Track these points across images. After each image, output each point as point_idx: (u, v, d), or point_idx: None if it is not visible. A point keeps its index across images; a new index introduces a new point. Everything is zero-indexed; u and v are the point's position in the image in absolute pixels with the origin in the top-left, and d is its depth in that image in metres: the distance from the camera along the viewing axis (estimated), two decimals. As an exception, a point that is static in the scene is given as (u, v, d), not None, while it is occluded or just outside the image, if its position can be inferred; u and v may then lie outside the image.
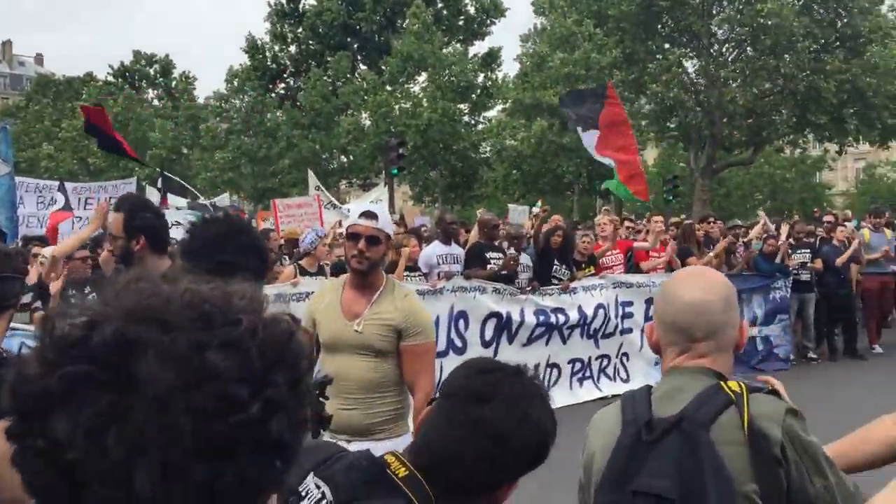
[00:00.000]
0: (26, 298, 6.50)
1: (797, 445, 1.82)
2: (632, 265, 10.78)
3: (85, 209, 12.12)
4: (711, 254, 11.03)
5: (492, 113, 39.33)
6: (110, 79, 49.83)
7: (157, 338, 0.77)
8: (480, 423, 1.55)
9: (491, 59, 39.39)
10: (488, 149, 37.16)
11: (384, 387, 3.64)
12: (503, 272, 9.29)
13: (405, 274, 8.80)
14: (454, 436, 1.57)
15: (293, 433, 0.84)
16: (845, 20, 31.57)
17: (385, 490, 1.53)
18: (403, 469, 1.57)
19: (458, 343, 8.80)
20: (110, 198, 11.69)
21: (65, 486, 0.75)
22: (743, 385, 1.89)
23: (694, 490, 1.74)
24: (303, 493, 1.59)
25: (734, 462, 1.78)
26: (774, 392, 1.95)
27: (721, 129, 33.11)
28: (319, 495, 1.56)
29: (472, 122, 37.70)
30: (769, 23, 29.77)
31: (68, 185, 12.02)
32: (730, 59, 33.93)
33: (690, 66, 34.50)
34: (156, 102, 49.69)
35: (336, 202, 14.87)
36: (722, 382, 1.90)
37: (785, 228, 12.88)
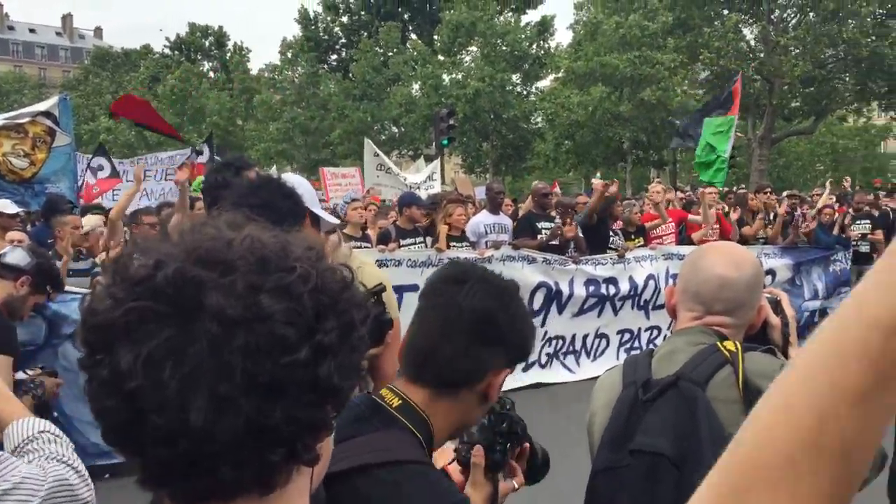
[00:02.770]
0: (86, 265, 6.72)
1: None
2: (684, 237, 10.64)
3: (143, 180, 12.45)
4: (769, 226, 10.79)
5: (545, 83, 38.95)
6: (167, 51, 50.61)
7: (215, 278, 0.82)
8: (458, 299, 1.57)
9: (544, 27, 38.89)
10: (540, 119, 36.84)
11: None
12: (552, 242, 9.25)
13: (453, 244, 8.82)
14: (435, 322, 1.59)
15: (343, 378, 0.86)
16: (913, -17, 30.32)
17: (379, 423, 1.55)
18: (397, 399, 1.59)
19: (505, 312, 8.81)
20: (166, 170, 11.95)
21: (126, 414, 0.80)
22: (738, 344, 1.90)
23: (690, 447, 1.76)
24: None
25: (730, 420, 1.78)
26: (770, 350, 1.95)
27: (780, 98, 32.23)
28: None
29: (525, 92, 37.38)
30: (832, -13, 28.78)
31: (126, 161, 12.29)
32: (790, 26, 32.91)
33: (749, 32, 33.56)
34: (211, 74, 50.34)
35: (395, 168, 14.91)
36: (719, 342, 1.91)
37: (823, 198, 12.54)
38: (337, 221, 3.86)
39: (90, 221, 7.32)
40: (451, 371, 1.57)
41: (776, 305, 2.15)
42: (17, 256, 3.49)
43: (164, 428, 0.79)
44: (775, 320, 2.10)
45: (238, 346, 0.80)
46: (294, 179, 3.30)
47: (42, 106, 9.75)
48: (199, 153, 12.47)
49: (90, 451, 6.50)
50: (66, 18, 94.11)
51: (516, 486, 1.79)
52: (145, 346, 0.79)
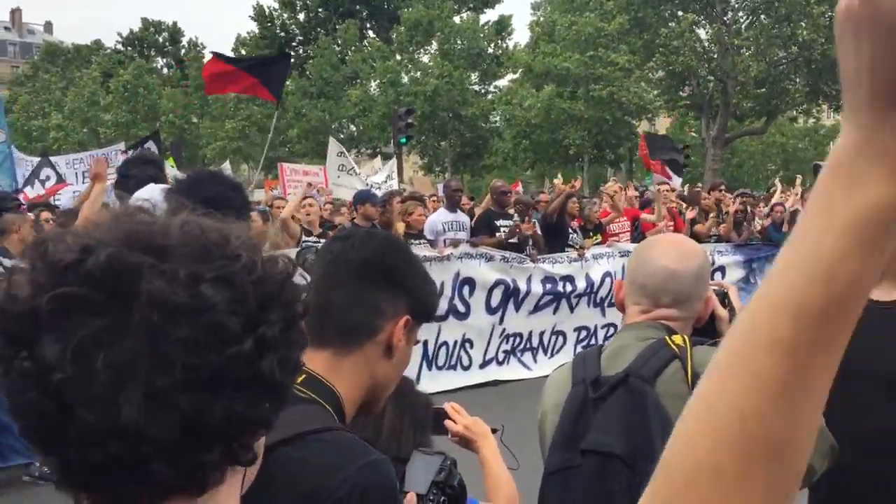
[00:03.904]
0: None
1: None
2: (638, 234, 10.75)
3: (83, 183, 12.11)
4: (722, 223, 10.96)
5: (503, 82, 39.11)
6: (119, 47, 49.73)
7: (153, 264, 0.77)
8: (345, 252, 1.56)
9: (502, 27, 39.04)
10: (498, 118, 37.01)
11: None
12: (510, 240, 9.28)
13: (411, 242, 8.79)
14: (325, 279, 1.55)
15: (284, 374, 0.83)
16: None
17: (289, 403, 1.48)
18: (301, 375, 1.50)
19: (461, 308, 8.84)
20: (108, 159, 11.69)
21: (50, 408, 0.74)
22: (686, 338, 1.89)
23: (641, 445, 1.74)
24: None
25: (679, 415, 1.77)
26: (718, 343, 1.94)
27: (733, 99, 32.79)
28: None
29: (482, 91, 37.50)
30: (784, -11, 29.37)
31: (56, 159, 12.00)
32: (743, 27, 33.50)
33: (703, 33, 34.08)
34: (165, 71, 49.60)
35: (357, 169, 14.80)
36: (667, 337, 1.90)
37: (786, 196, 12.78)
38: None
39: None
40: (346, 321, 1.51)
41: (723, 297, 2.15)
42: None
43: (94, 424, 0.74)
44: (723, 312, 2.09)
45: (179, 337, 0.75)
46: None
47: None
48: (134, 149, 12.04)
49: (19, 451, 6.35)
50: (15, 13, 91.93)
51: None
52: (74, 335, 0.73)
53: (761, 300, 0.58)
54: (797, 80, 33.07)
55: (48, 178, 11.08)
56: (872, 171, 0.55)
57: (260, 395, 0.81)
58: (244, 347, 0.78)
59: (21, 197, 10.49)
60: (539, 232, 9.77)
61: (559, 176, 12.74)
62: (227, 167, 20.84)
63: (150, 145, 12.51)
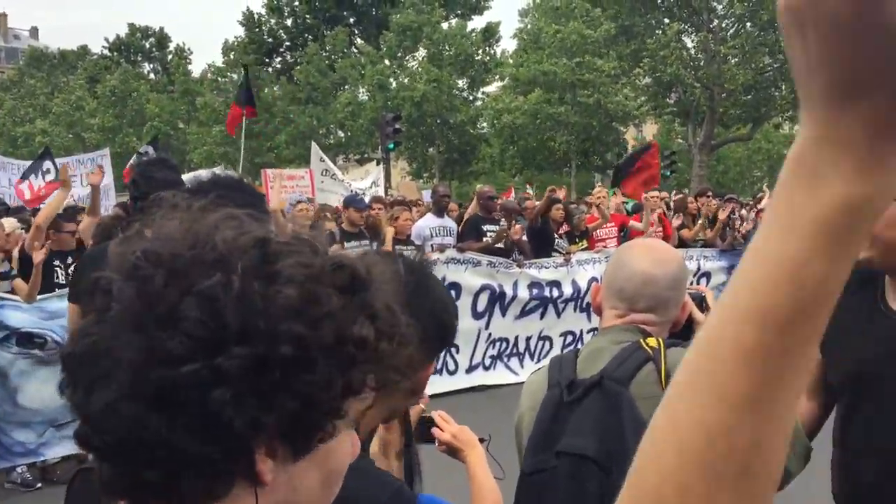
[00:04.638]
0: (3, 268, 6.51)
1: None
2: (626, 240, 10.77)
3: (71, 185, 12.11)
4: (711, 230, 11.01)
5: (490, 89, 39.18)
6: (106, 52, 49.50)
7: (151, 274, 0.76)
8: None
9: (490, 34, 39.12)
10: (485, 125, 37.06)
11: None
12: (497, 245, 9.29)
13: (397, 247, 8.79)
14: None
15: (240, 417, 0.73)
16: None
17: None
18: None
19: (448, 314, 8.82)
20: (92, 166, 11.76)
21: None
22: (660, 340, 1.89)
23: (615, 448, 1.75)
24: None
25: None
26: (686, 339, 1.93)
27: (720, 105, 32.97)
28: None
29: (470, 97, 37.55)
30: (768, -3, 29.57)
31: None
32: (729, 35, 33.70)
33: (689, 41, 34.27)
34: (151, 76, 49.41)
35: (339, 174, 14.83)
36: (641, 339, 1.90)
37: (764, 202, 12.85)
38: None
39: (10, 224, 7.09)
40: None
41: (701, 301, 2.15)
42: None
43: (75, 405, 0.77)
44: (701, 317, 2.09)
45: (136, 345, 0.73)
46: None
47: None
48: (143, 156, 12.21)
49: (16, 451, 6.33)
50: (1, 18, 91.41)
51: None
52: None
53: (724, 307, 0.55)
54: (783, 86, 33.28)
55: (48, 170, 11.04)
56: (835, 166, 0.51)
57: (201, 430, 0.73)
58: (184, 371, 0.72)
59: (25, 186, 10.53)
60: (524, 237, 9.79)
61: (530, 188, 12.73)
62: (218, 172, 20.78)
63: (148, 150, 12.74)
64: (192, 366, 0.71)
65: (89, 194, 7.10)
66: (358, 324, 0.79)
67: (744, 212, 12.98)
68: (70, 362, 0.77)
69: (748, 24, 32.84)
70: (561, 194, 9.86)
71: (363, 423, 1.51)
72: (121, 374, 0.73)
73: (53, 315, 6.27)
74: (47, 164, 11.19)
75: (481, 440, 2.08)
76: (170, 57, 49.22)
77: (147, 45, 50.86)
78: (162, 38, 50.94)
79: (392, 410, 1.60)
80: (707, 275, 10.72)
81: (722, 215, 11.20)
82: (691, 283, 10.06)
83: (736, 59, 32.24)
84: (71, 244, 6.80)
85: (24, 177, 11.01)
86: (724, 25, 34.11)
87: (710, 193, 12.79)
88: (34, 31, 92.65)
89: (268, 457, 0.76)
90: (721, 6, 33.48)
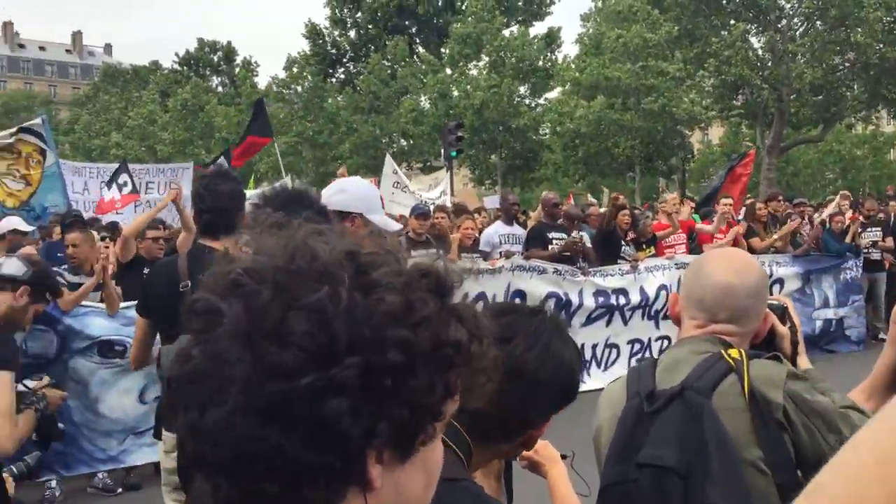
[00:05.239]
0: (82, 279, 6.70)
1: (803, 407, 1.78)
2: (695, 245, 10.58)
3: (146, 193, 12.50)
4: (776, 235, 10.73)
5: (552, 94, 38.99)
6: (176, 67, 50.92)
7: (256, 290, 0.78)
8: (504, 362, 1.55)
9: (551, 39, 38.95)
10: (547, 131, 36.87)
11: None
12: (565, 253, 9.24)
13: (464, 255, 8.82)
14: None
15: (357, 426, 0.75)
16: (921, -12, 30.19)
17: None
18: None
19: (514, 322, 8.80)
20: (169, 182, 12.13)
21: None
22: (742, 352, 1.86)
23: (697, 459, 1.71)
24: None
25: (737, 429, 1.75)
26: (775, 357, 1.89)
27: (789, 106, 32.13)
28: None
29: (532, 103, 37.44)
30: (839, -6, 28.72)
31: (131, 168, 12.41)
32: (798, 34, 32.85)
33: (756, 41, 33.50)
34: (219, 90, 50.63)
35: (410, 186, 14.87)
36: (723, 350, 1.87)
37: (831, 206, 12.45)
38: (398, 227, 3.80)
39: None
40: (499, 426, 1.58)
41: (783, 313, 2.10)
42: (13, 267, 3.44)
43: (189, 425, 0.78)
44: (783, 330, 2.05)
45: (245, 359, 0.75)
46: (352, 183, 3.32)
47: (25, 125, 10.27)
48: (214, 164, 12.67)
49: (98, 458, 6.56)
50: (76, 36, 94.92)
51: None
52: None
53: None
54: (855, 86, 32.25)
55: (125, 183, 11.42)
56: None
57: (318, 440, 0.75)
58: (300, 384, 0.74)
59: (104, 199, 10.95)
60: (589, 245, 9.71)
61: (589, 196, 12.66)
62: (287, 182, 21.18)
63: (222, 161, 13.23)
64: (309, 378, 0.73)
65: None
66: (452, 327, 0.81)
67: (814, 214, 12.60)
68: (178, 383, 0.79)
69: (818, 21, 31.95)
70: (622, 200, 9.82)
71: (474, 458, 1.56)
72: (234, 389, 0.74)
73: (133, 322, 6.46)
74: (124, 177, 11.57)
75: (563, 456, 2.07)
76: (237, 70, 50.38)
77: (215, 59, 52.17)
78: (229, 52, 52.21)
79: (503, 456, 1.66)
80: (780, 281, 10.45)
81: (792, 225, 10.87)
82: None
83: (805, 58, 31.39)
84: (157, 252, 7.01)
85: (106, 186, 11.41)
86: (792, 24, 33.27)
87: (780, 198, 12.47)
88: (108, 48, 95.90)
89: (377, 462, 0.78)
90: (789, 4, 32.67)
